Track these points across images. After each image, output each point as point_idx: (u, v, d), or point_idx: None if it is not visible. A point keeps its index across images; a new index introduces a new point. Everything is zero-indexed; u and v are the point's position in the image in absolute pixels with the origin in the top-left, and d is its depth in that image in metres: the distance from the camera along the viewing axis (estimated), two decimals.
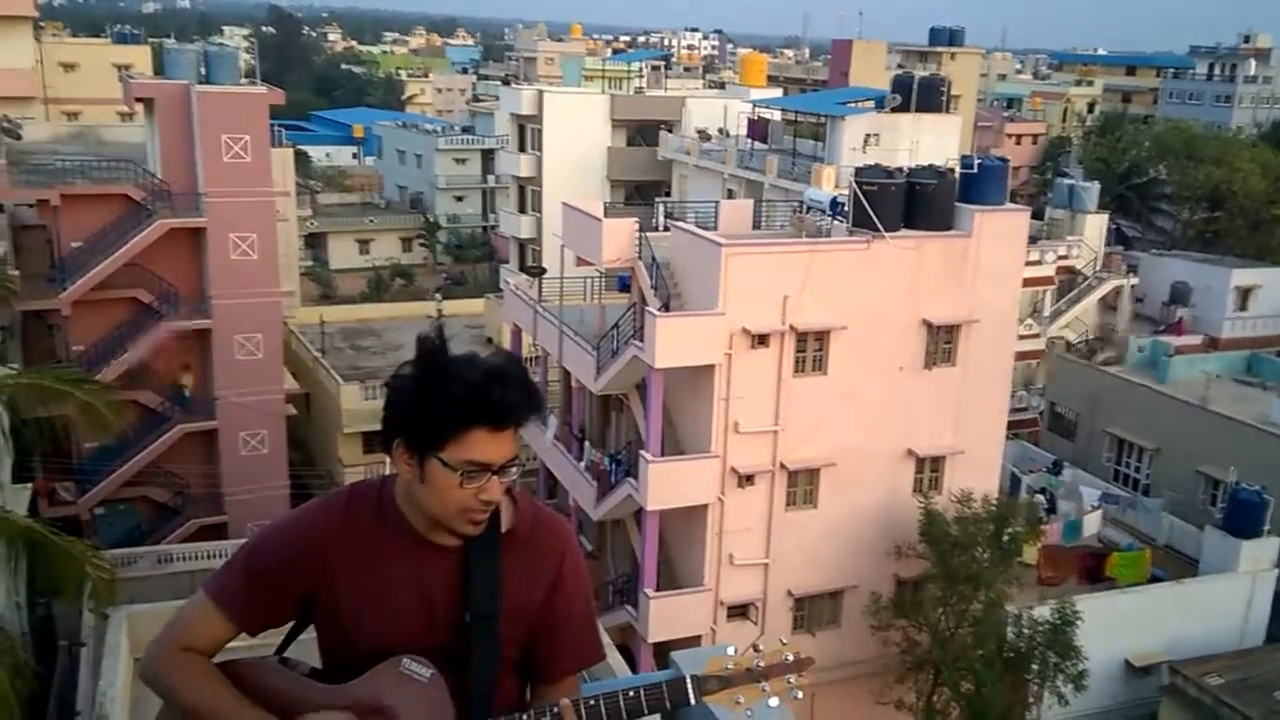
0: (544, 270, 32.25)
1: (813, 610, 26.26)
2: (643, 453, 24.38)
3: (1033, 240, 36.91)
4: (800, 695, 2.57)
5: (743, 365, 24.07)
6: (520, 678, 2.71)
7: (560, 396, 31.30)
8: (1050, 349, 41.11)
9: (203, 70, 35.60)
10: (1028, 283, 32.87)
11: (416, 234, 78.66)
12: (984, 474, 26.70)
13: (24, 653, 13.35)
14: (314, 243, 75.33)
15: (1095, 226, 45.29)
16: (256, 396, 35.23)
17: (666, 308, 24.47)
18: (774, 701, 2.56)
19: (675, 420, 25.58)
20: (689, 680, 2.55)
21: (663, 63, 68.28)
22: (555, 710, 2.51)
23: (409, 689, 2.49)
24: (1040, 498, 30.08)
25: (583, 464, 27.66)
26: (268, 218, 35.20)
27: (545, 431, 29.28)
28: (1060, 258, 42.22)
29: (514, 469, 2.52)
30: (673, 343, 23.36)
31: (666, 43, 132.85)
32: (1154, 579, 28.27)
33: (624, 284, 30.18)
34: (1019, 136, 79.96)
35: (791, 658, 2.59)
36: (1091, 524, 29.67)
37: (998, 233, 25.80)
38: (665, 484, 24.11)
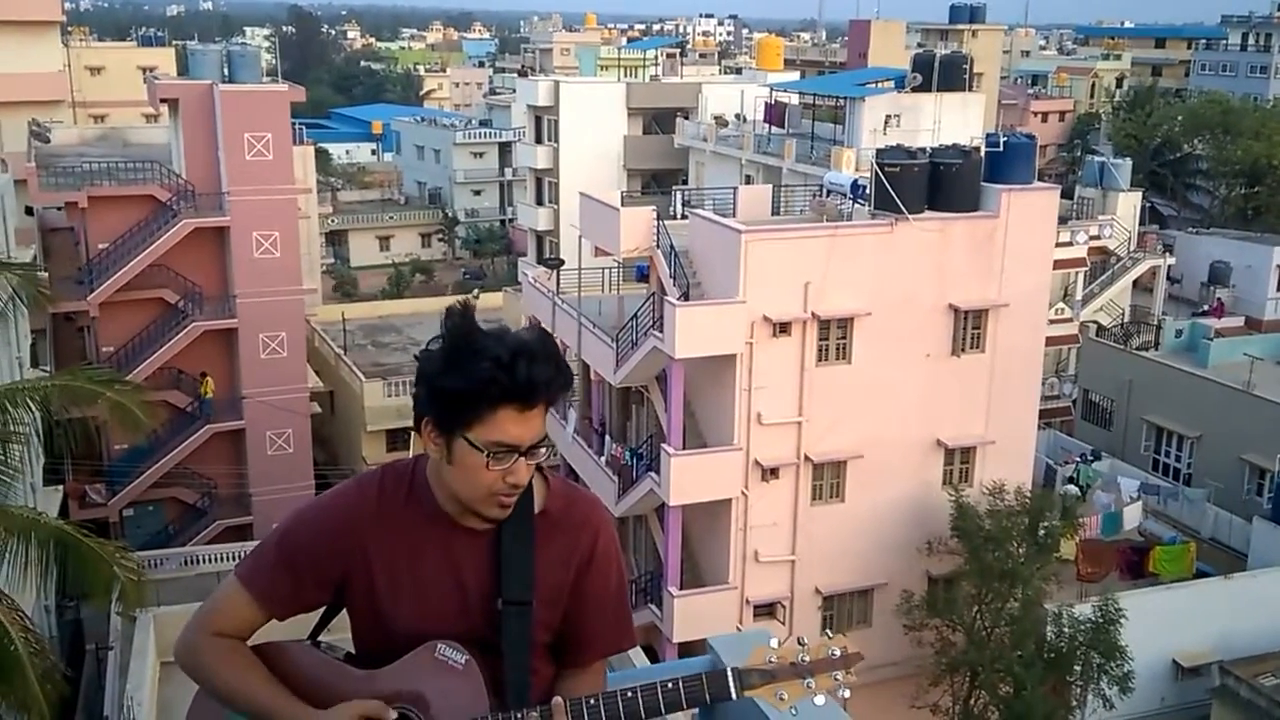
0: (562, 262, 31.67)
1: (842, 609, 25.48)
2: (664, 446, 23.73)
3: (1063, 220, 35.92)
4: (848, 694, 2.45)
5: (764, 354, 23.36)
6: (555, 663, 2.64)
7: (580, 390, 30.67)
8: (1083, 333, 39.98)
9: (225, 70, 35.95)
10: (1058, 265, 31.89)
11: (435, 229, 78.59)
12: (1016, 465, 25.82)
13: (53, 656, 13.29)
14: (335, 240, 75.38)
15: (1128, 205, 44.03)
16: (281, 395, 35.40)
17: (686, 297, 23.81)
18: (820, 699, 2.44)
19: (697, 412, 24.89)
20: (730, 673, 2.44)
21: (678, 50, 67.42)
22: (546, 710, 2.42)
23: (443, 675, 2.44)
24: (1073, 488, 29.07)
25: (603, 458, 27.04)
26: (290, 215, 35.41)
27: (566, 426, 28.69)
28: (1092, 238, 41.00)
29: (542, 450, 2.43)
30: (693, 332, 22.71)
31: (681, 29, 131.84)
32: (1199, 574, 27.23)
33: (642, 274, 29.49)
34: (1045, 114, 78.45)
35: (839, 652, 2.47)
36: (1132, 516, 28.64)
37: (1026, 213, 24.97)
38: (687, 478, 23.43)
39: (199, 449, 34.41)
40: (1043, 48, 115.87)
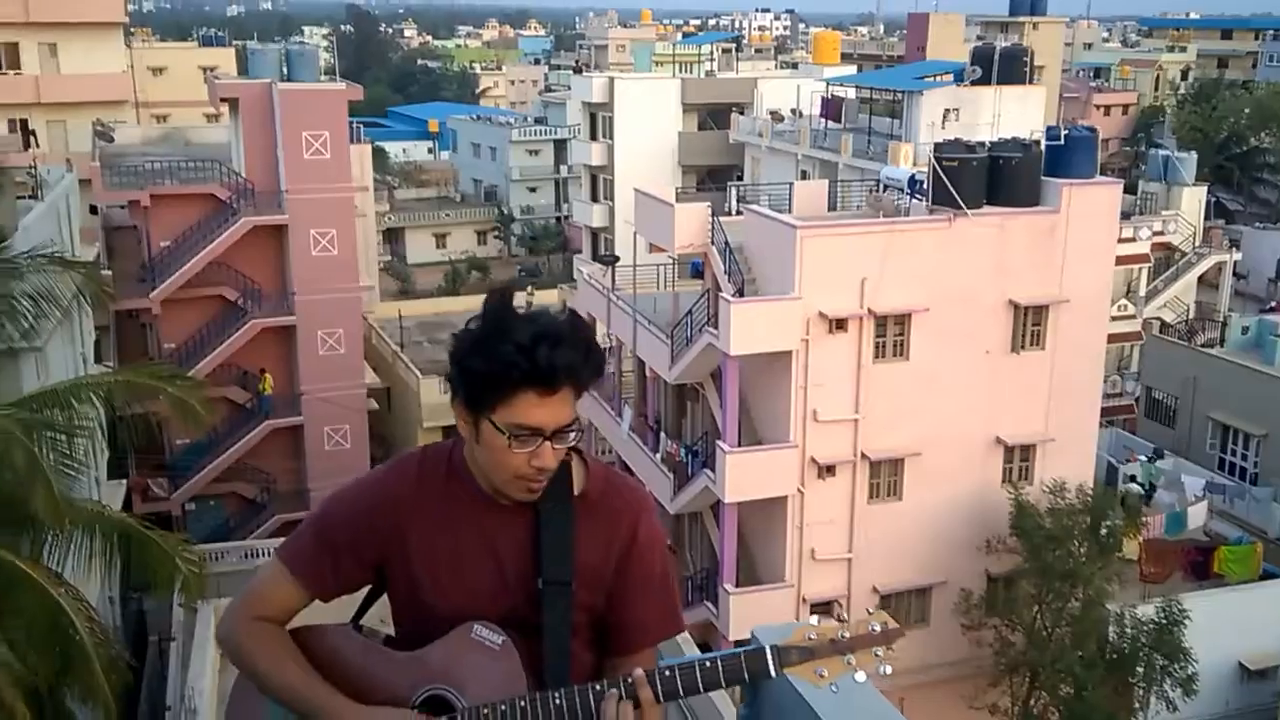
0: (617, 258, 31.73)
1: (899, 608, 25.18)
2: (719, 443, 23.68)
3: (1125, 216, 35.26)
4: (889, 669, 2.38)
5: (820, 351, 23.22)
6: (596, 652, 2.60)
7: (635, 386, 30.74)
8: (1146, 330, 39.20)
9: (284, 69, 36.37)
10: (1121, 260, 31.29)
11: (491, 226, 79.07)
12: (1078, 463, 25.38)
13: (118, 646, 13.61)
14: (392, 237, 76.06)
15: (1193, 200, 43.04)
16: (339, 392, 35.76)
17: (741, 293, 23.70)
18: (860, 676, 2.39)
19: (752, 409, 24.82)
20: (769, 651, 2.40)
21: (733, 45, 67.14)
22: (629, 680, 2.37)
23: (480, 656, 2.43)
24: (1135, 487, 28.53)
25: (658, 455, 27.05)
26: (347, 213, 35.74)
27: (621, 422, 28.78)
28: (1156, 233, 40.19)
29: (570, 434, 2.40)
30: (748, 329, 22.62)
31: (737, 25, 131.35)
32: (1266, 574, 26.56)
33: (697, 270, 29.47)
34: (1108, 107, 76.84)
35: (879, 628, 2.40)
36: (1196, 516, 28.06)
37: (1088, 207, 24.54)
38: (743, 475, 23.37)
39: (258, 444, 34.84)
40: (1106, 40, 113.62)
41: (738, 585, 24.26)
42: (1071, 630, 22.91)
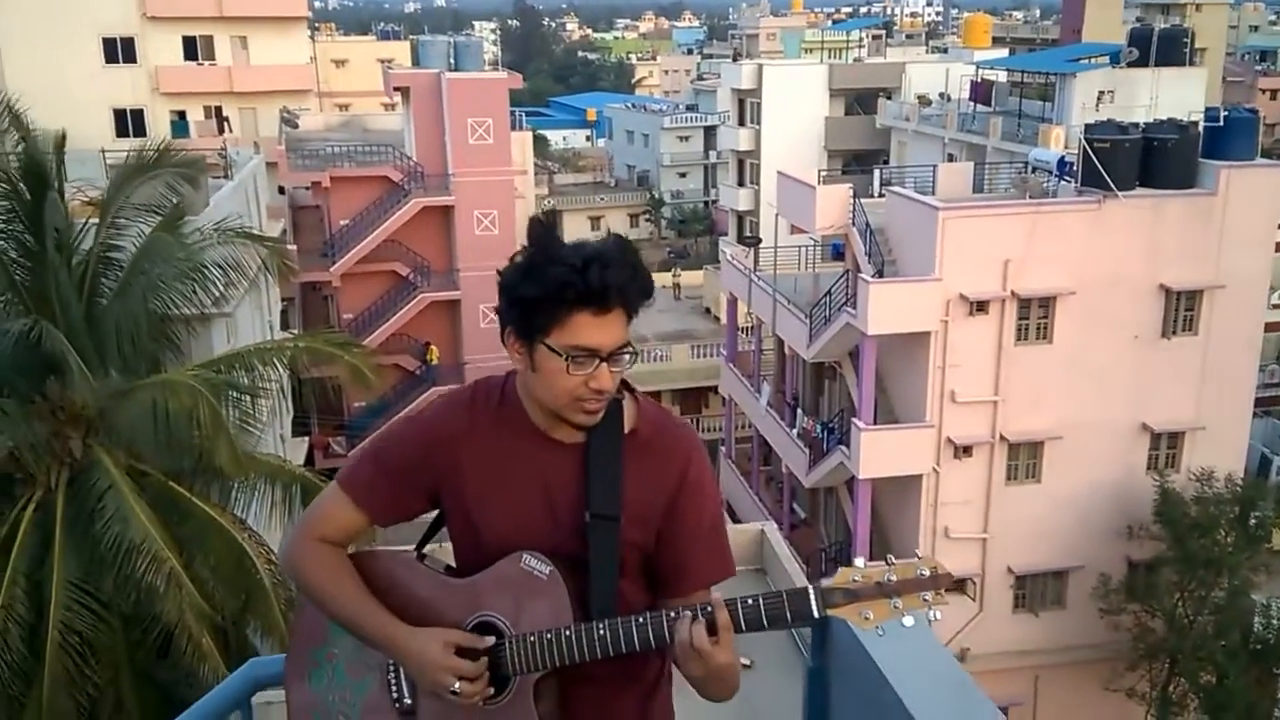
0: (759, 240, 32.27)
1: (1035, 589, 25.09)
2: (855, 420, 23.99)
3: None
4: (939, 616, 2.27)
5: (960, 332, 23.23)
6: (648, 593, 2.57)
7: (774, 364, 31.23)
8: None
9: (452, 60, 38.53)
10: None
11: (643, 210, 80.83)
12: (1228, 452, 24.66)
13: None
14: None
15: None
16: (499, 363, 37.32)
17: (880, 274, 23.93)
18: (909, 620, 2.29)
19: (889, 388, 25.03)
20: (812, 591, 2.32)
21: (883, 31, 66.37)
22: (707, 608, 2.34)
23: (528, 585, 2.43)
24: None
25: (794, 431, 27.51)
26: (507, 196, 37.64)
27: (759, 398, 29.34)
28: None
29: (625, 357, 2.40)
30: (886, 309, 22.81)
31: (889, 11, 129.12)
32: None
33: (838, 252, 29.75)
34: (1274, 91, 72.63)
35: (927, 572, 2.29)
36: None
37: (1248, 191, 23.70)
38: (877, 453, 23.62)
39: None
40: (1273, 23, 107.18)
41: (871, 560, 24.42)
42: (1214, 619, 22.42)
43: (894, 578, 2.30)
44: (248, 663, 3.22)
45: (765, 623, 2.32)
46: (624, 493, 2.46)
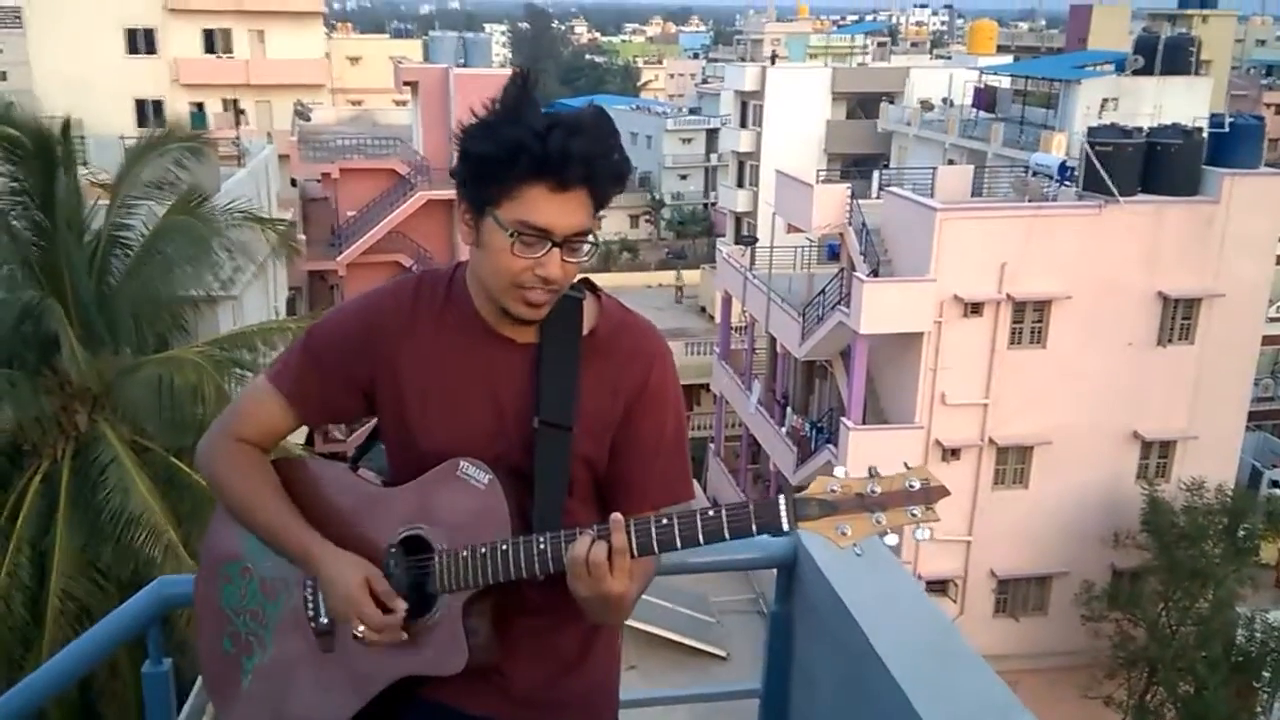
0: (755, 239, 32.48)
1: (1017, 593, 25.25)
2: (844, 420, 24.10)
3: None
4: (928, 534, 1.96)
5: (953, 334, 23.34)
6: (598, 513, 2.22)
7: (766, 363, 31.40)
8: None
9: (461, 57, 39.78)
10: None
11: (643, 211, 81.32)
12: (1219, 463, 24.72)
13: None
14: None
15: None
16: None
17: (875, 274, 24.05)
18: (892, 539, 1.99)
19: (879, 389, 25.17)
20: (783, 502, 1.98)
21: (888, 37, 66.52)
22: (602, 529, 2.03)
23: (463, 494, 2.15)
24: (1279, 491, 27.70)
25: (783, 429, 27.66)
26: None
27: (750, 396, 29.50)
28: None
29: (584, 246, 2.09)
30: (880, 309, 22.88)
31: (895, 19, 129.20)
32: None
33: (834, 253, 29.92)
34: (1279, 106, 73.12)
35: (917, 484, 1.96)
36: None
37: (1251, 199, 23.64)
38: (864, 452, 23.68)
39: None
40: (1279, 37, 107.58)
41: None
42: (1197, 629, 22.55)
43: (878, 489, 1.97)
44: (155, 580, 2.87)
45: (727, 534, 2.00)
46: (579, 401, 2.17)
